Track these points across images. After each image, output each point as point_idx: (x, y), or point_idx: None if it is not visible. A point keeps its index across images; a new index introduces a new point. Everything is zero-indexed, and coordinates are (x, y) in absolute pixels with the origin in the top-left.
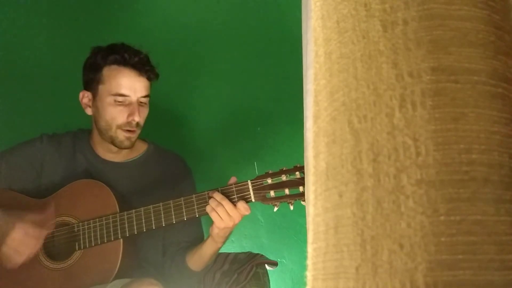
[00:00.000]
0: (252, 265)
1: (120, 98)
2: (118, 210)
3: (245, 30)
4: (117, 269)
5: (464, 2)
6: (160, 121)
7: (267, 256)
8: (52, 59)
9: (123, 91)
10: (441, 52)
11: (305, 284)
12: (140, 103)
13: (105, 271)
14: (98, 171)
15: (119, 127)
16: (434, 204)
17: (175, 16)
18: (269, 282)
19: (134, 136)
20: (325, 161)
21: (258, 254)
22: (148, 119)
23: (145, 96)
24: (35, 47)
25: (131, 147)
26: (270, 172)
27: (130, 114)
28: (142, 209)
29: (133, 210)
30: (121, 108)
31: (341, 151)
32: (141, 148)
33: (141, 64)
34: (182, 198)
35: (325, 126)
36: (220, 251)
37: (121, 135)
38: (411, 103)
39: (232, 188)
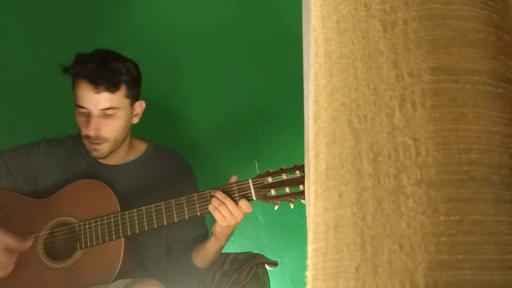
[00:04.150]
0: (252, 265)
1: (81, 110)
2: (119, 209)
3: (245, 30)
4: (118, 269)
5: (464, 2)
6: (160, 121)
7: (267, 256)
8: (48, 62)
9: (81, 103)
10: (441, 52)
11: (305, 284)
12: (105, 115)
13: (107, 270)
14: (98, 173)
15: (84, 138)
16: (434, 204)
17: (175, 15)
18: (269, 282)
19: (101, 148)
20: (325, 161)
21: (258, 254)
22: (148, 119)
23: (109, 108)
24: (25, 50)
25: (103, 157)
26: (271, 171)
27: (85, 126)
28: (143, 208)
29: (135, 209)
30: (83, 119)
31: (341, 151)
32: (140, 148)
33: (101, 77)
34: (183, 197)
35: (325, 126)
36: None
37: (88, 146)
38: (411, 103)
39: (234, 187)
